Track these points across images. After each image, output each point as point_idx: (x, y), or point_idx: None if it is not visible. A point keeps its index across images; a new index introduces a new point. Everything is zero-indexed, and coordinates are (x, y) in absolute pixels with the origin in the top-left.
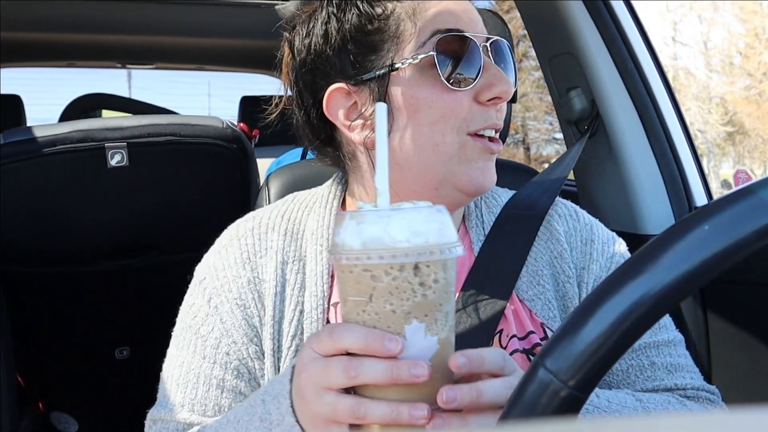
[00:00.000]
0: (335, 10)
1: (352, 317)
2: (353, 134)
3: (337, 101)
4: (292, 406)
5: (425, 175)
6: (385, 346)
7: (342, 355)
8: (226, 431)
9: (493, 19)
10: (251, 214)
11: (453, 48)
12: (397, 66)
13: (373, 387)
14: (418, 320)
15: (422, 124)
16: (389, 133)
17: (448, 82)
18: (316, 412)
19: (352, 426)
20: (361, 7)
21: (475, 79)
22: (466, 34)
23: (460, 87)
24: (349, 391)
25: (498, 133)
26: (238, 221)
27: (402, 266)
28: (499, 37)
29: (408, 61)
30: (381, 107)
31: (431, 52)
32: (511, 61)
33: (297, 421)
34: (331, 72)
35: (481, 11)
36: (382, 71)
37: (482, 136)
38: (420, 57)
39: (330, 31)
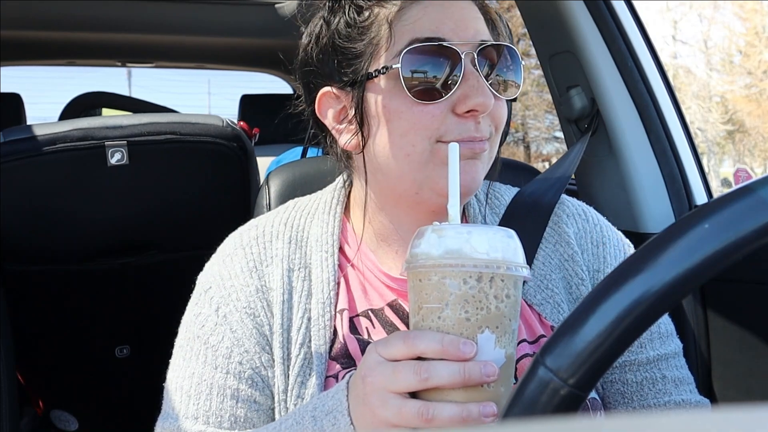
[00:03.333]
0: (326, 14)
1: (426, 324)
2: (340, 137)
3: (326, 103)
4: (352, 424)
5: (403, 180)
6: (460, 350)
7: (410, 360)
8: None
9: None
10: (253, 222)
11: (426, 58)
12: (372, 74)
13: (435, 392)
14: (490, 330)
15: (394, 134)
16: (367, 139)
17: (417, 94)
18: (381, 417)
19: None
20: (348, 13)
21: (449, 91)
22: (444, 43)
23: (430, 99)
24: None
25: (483, 141)
26: (240, 229)
27: (480, 276)
28: (498, 42)
29: (380, 71)
30: (453, 147)
31: (397, 65)
32: (511, 67)
33: None
34: (322, 75)
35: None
36: (360, 79)
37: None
38: (390, 67)
39: (321, 35)
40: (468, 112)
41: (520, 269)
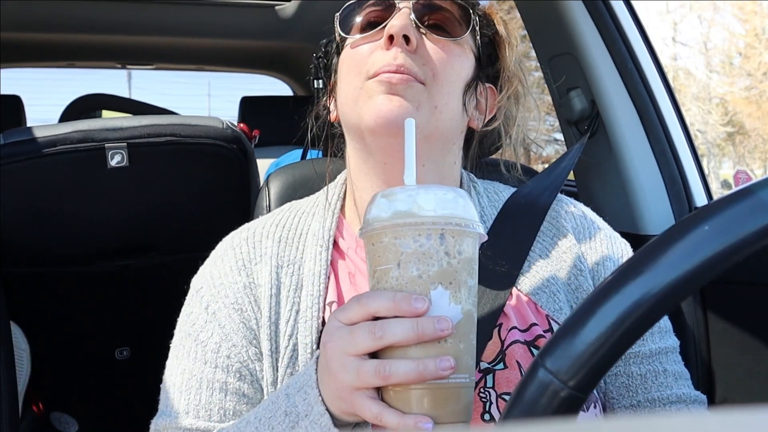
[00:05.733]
0: None
1: (381, 285)
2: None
3: None
4: (320, 396)
5: (351, 127)
6: (413, 305)
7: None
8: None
9: None
10: (245, 225)
11: (365, 4)
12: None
13: (395, 351)
14: (443, 286)
15: (343, 82)
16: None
17: (352, 32)
18: (342, 381)
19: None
20: None
21: (375, 27)
22: None
23: (361, 34)
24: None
25: (404, 75)
26: (232, 233)
27: (429, 233)
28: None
29: (338, 27)
30: (409, 122)
31: (337, 13)
32: (456, 18)
33: (327, 409)
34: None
35: None
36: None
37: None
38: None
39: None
40: (388, 40)
41: (470, 225)
